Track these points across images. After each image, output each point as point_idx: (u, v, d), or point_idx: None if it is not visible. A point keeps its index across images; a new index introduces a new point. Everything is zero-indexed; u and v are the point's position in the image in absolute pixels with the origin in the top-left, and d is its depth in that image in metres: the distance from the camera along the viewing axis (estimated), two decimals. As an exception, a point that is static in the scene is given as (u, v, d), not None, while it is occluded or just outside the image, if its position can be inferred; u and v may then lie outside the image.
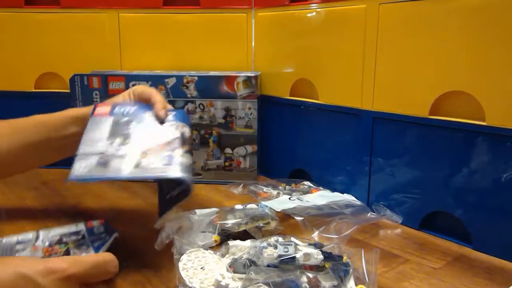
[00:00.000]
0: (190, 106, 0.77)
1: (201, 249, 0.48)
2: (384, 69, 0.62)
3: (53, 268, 0.39)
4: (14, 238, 0.49)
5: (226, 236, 0.55)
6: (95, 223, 0.52)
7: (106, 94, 0.77)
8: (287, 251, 0.44)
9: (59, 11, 0.84)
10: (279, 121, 0.81)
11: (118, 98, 0.61)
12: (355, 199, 0.68)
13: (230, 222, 0.55)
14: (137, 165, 0.50)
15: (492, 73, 0.51)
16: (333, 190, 0.71)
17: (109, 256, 0.44)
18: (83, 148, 0.53)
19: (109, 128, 0.56)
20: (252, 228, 0.56)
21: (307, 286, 0.41)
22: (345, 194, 0.69)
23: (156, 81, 0.77)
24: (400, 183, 0.62)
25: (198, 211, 0.58)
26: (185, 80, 0.77)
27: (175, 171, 0.49)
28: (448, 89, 0.55)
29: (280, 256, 0.44)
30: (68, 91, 0.79)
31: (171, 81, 0.77)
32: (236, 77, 0.77)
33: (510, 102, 0.50)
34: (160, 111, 0.57)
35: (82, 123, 0.58)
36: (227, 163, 0.79)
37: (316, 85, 0.73)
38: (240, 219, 0.56)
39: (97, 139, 0.54)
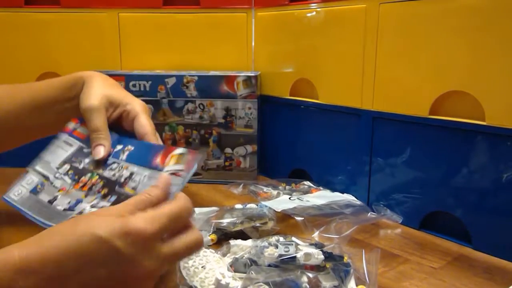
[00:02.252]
0: (190, 106, 0.77)
1: (202, 248, 0.48)
2: (384, 69, 0.62)
3: (132, 229, 0.34)
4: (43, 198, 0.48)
5: (223, 235, 0.55)
6: (75, 125, 0.53)
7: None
8: (287, 251, 0.44)
9: (59, 11, 0.84)
10: (279, 121, 0.81)
11: (94, 113, 0.52)
12: (355, 199, 0.68)
13: (225, 221, 0.55)
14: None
15: (492, 73, 0.51)
16: (333, 190, 0.71)
17: (183, 202, 0.39)
18: (36, 163, 0.52)
19: (67, 155, 0.52)
20: (248, 228, 0.56)
21: (307, 286, 0.41)
22: (345, 194, 0.69)
23: (156, 81, 0.77)
24: (400, 183, 0.62)
25: (197, 210, 0.58)
26: (185, 80, 0.77)
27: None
28: (448, 89, 0.55)
29: (280, 255, 0.44)
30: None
31: (171, 81, 0.77)
32: (236, 77, 0.77)
33: (510, 102, 0.50)
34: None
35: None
36: (227, 163, 0.79)
37: (316, 85, 0.73)
38: (235, 219, 0.56)
39: (50, 160, 0.52)
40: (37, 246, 0.34)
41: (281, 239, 0.48)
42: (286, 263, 0.44)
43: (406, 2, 0.58)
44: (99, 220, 0.35)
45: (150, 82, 0.77)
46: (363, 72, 0.64)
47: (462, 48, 0.53)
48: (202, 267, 0.45)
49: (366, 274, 0.43)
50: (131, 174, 0.49)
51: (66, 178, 0.50)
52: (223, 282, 0.42)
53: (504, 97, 0.50)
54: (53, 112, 0.58)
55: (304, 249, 0.45)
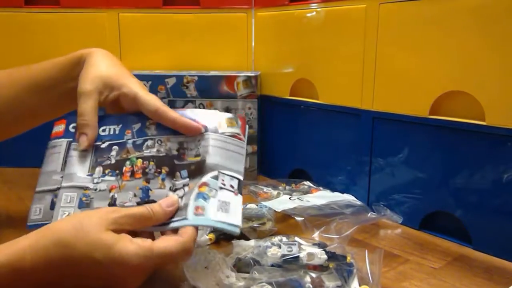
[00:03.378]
0: (190, 106, 0.77)
1: (206, 248, 0.48)
2: (384, 69, 0.62)
3: (128, 262, 0.38)
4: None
5: (222, 235, 0.55)
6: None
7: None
8: (290, 251, 0.44)
9: (59, 11, 0.84)
10: (279, 121, 0.81)
11: (84, 98, 0.50)
12: (355, 199, 0.67)
13: None
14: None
15: (492, 73, 0.51)
16: (333, 190, 0.71)
17: (183, 248, 0.40)
18: (39, 183, 0.49)
19: (62, 156, 0.50)
20: (245, 228, 0.56)
21: (310, 286, 0.41)
22: (345, 194, 0.69)
23: (156, 81, 0.77)
24: (400, 183, 0.62)
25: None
26: (185, 80, 0.77)
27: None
28: (448, 89, 0.55)
29: (283, 255, 0.44)
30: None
31: (171, 81, 0.77)
32: (236, 77, 0.77)
33: (510, 102, 0.50)
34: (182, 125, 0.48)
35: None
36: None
37: (316, 85, 0.73)
38: None
39: (52, 170, 0.49)
40: (44, 256, 0.38)
41: (284, 239, 0.48)
42: (289, 263, 0.44)
43: (406, 2, 0.58)
44: (99, 243, 0.38)
45: (150, 82, 0.77)
46: (363, 72, 0.64)
47: (462, 48, 0.53)
48: (205, 267, 0.45)
49: (369, 274, 0.43)
50: (180, 143, 0.48)
51: (107, 178, 0.48)
52: (226, 282, 0.42)
53: (504, 97, 0.50)
54: (56, 93, 0.56)
55: (307, 249, 0.45)
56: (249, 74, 0.77)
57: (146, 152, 0.48)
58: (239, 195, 0.46)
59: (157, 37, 0.86)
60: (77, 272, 0.38)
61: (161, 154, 0.48)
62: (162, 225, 0.43)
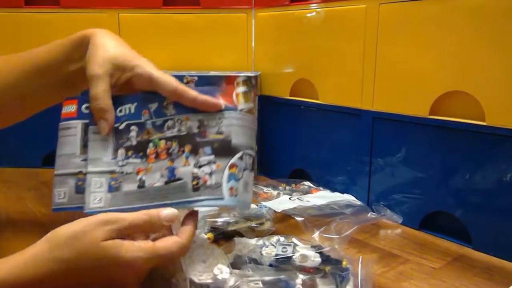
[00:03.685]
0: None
1: (206, 243, 0.48)
2: (384, 69, 0.62)
3: (129, 263, 0.39)
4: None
5: (221, 234, 0.55)
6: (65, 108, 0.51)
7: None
8: (285, 251, 0.45)
9: (59, 11, 0.84)
10: (279, 121, 0.81)
11: (95, 82, 0.49)
12: (355, 199, 0.68)
13: (220, 220, 0.55)
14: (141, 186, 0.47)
15: (492, 73, 0.51)
16: (333, 190, 0.71)
17: (179, 249, 0.42)
18: (58, 166, 0.49)
19: (79, 138, 0.50)
20: (243, 228, 0.56)
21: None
22: (345, 194, 0.69)
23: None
24: (400, 183, 0.62)
25: (196, 208, 0.58)
26: (185, 80, 0.77)
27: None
28: (448, 89, 0.55)
29: (277, 255, 0.44)
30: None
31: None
32: (236, 77, 0.77)
33: (510, 102, 0.50)
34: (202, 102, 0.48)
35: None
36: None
37: (316, 85, 0.73)
38: (229, 218, 0.56)
39: (70, 153, 0.49)
40: (46, 268, 0.38)
41: (282, 239, 0.48)
42: (283, 263, 0.44)
43: (406, 2, 0.58)
44: (102, 253, 0.39)
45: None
46: (363, 72, 0.64)
47: (462, 48, 0.53)
48: (203, 261, 0.45)
49: (360, 280, 0.43)
50: (200, 120, 0.48)
51: (132, 160, 0.48)
52: (219, 277, 0.42)
53: (504, 97, 0.50)
54: (57, 76, 0.54)
55: (301, 251, 0.45)
56: (249, 74, 0.77)
57: (168, 133, 0.49)
58: (252, 172, 0.48)
59: (157, 37, 0.86)
60: (81, 281, 0.40)
61: (182, 133, 0.48)
62: (196, 201, 0.45)
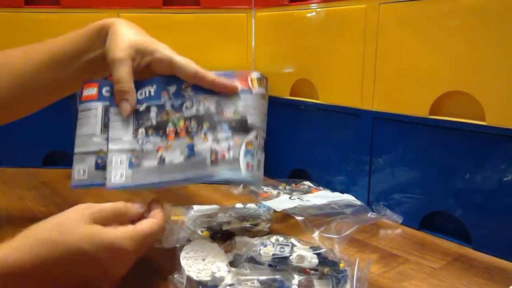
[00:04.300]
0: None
1: (207, 240, 0.49)
2: (384, 69, 0.62)
3: (116, 246, 0.39)
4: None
5: (217, 232, 0.55)
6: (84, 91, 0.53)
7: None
8: (283, 251, 0.45)
9: (59, 11, 0.84)
10: (279, 121, 0.81)
11: (118, 65, 0.51)
12: (355, 199, 0.68)
13: (216, 220, 0.55)
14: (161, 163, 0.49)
15: (492, 73, 0.51)
16: (333, 190, 0.71)
17: (159, 226, 0.44)
18: (78, 145, 0.51)
19: (100, 119, 0.51)
20: (237, 228, 0.55)
21: None
22: (345, 194, 0.69)
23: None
24: (400, 183, 0.62)
25: (195, 207, 0.58)
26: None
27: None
28: (448, 89, 0.55)
29: (273, 255, 0.44)
30: (68, 91, 0.79)
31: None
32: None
33: (510, 102, 0.50)
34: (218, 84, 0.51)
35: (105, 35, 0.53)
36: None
37: (316, 85, 0.73)
38: (224, 217, 0.55)
39: (90, 133, 0.51)
40: (29, 254, 0.37)
41: (281, 239, 0.48)
42: (280, 263, 0.44)
43: (406, 2, 0.58)
44: (84, 235, 0.39)
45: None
46: (363, 72, 0.64)
47: (462, 48, 0.53)
48: (202, 259, 0.45)
49: (354, 282, 0.43)
50: (217, 101, 0.50)
51: (152, 138, 0.50)
52: (217, 275, 0.42)
53: (504, 97, 0.50)
54: (75, 66, 0.55)
55: (298, 251, 0.45)
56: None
57: (187, 113, 0.51)
58: (263, 153, 0.52)
59: (157, 37, 0.85)
60: (66, 268, 0.38)
61: (200, 113, 0.51)
62: (215, 174, 0.47)
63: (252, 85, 0.52)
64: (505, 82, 0.50)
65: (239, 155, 0.47)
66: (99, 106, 0.52)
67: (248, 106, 0.51)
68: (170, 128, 0.50)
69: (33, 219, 0.62)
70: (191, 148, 0.49)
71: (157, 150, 0.49)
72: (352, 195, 0.69)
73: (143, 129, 0.50)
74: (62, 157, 0.87)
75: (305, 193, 0.69)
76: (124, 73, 0.51)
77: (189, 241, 0.49)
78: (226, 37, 0.84)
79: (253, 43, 0.84)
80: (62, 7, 0.84)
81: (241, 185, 0.73)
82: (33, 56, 0.57)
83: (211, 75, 0.51)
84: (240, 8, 0.83)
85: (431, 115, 0.57)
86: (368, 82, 0.64)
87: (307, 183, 0.74)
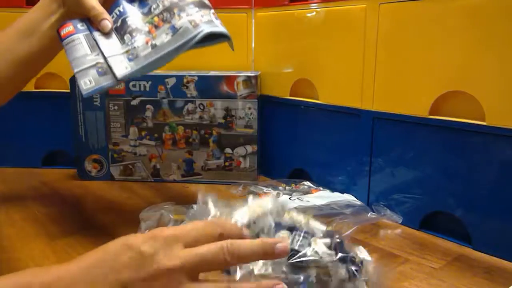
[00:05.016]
0: (190, 106, 0.77)
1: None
2: (384, 69, 0.62)
3: (158, 234, 0.37)
4: None
5: None
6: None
7: (107, 94, 0.77)
8: (302, 245, 0.43)
9: (59, 11, 0.84)
10: (279, 121, 0.81)
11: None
12: (355, 199, 0.68)
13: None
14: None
15: (492, 73, 0.51)
16: (333, 190, 0.71)
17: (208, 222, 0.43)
18: (76, 66, 0.53)
19: (85, 43, 0.55)
20: None
21: (314, 280, 0.41)
22: (345, 194, 0.69)
23: (156, 81, 0.77)
24: (400, 183, 0.62)
25: (195, 206, 0.58)
26: (185, 80, 0.77)
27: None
28: (448, 89, 0.55)
29: (292, 250, 0.42)
30: (68, 91, 0.79)
31: (171, 81, 0.77)
32: (236, 77, 0.77)
33: (510, 102, 0.50)
34: None
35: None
36: (227, 163, 0.79)
37: (316, 85, 0.73)
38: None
39: (82, 54, 0.54)
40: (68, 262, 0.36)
41: (301, 219, 0.47)
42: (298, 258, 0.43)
43: (406, 2, 0.58)
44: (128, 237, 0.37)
45: (150, 82, 0.77)
46: (363, 72, 0.64)
47: (462, 48, 0.53)
48: None
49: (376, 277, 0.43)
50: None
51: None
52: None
53: (504, 97, 0.50)
54: (43, 31, 0.58)
55: (316, 247, 0.43)
56: (249, 74, 0.77)
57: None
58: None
59: (157, 37, 0.85)
60: None
61: (167, 5, 0.53)
62: (199, 33, 0.52)
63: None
64: (505, 82, 0.50)
65: (211, 18, 0.53)
66: (80, 36, 0.55)
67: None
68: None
69: (33, 219, 0.63)
70: (172, 27, 0.52)
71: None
72: (352, 195, 0.69)
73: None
74: (62, 157, 0.87)
75: (305, 194, 0.69)
76: (93, 2, 0.55)
77: None
78: (226, 37, 0.84)
79: (253, 43, 0.84)
80: (62, 7, 0.84)
81: (241, 186, 0.73)
82: (9, 31, 0.59)
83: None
84: (240, 8, 0.83)
85: (431, 115, 0.57)
86: (368, 82, 0.64)
87: (307, 183, 0.74)
